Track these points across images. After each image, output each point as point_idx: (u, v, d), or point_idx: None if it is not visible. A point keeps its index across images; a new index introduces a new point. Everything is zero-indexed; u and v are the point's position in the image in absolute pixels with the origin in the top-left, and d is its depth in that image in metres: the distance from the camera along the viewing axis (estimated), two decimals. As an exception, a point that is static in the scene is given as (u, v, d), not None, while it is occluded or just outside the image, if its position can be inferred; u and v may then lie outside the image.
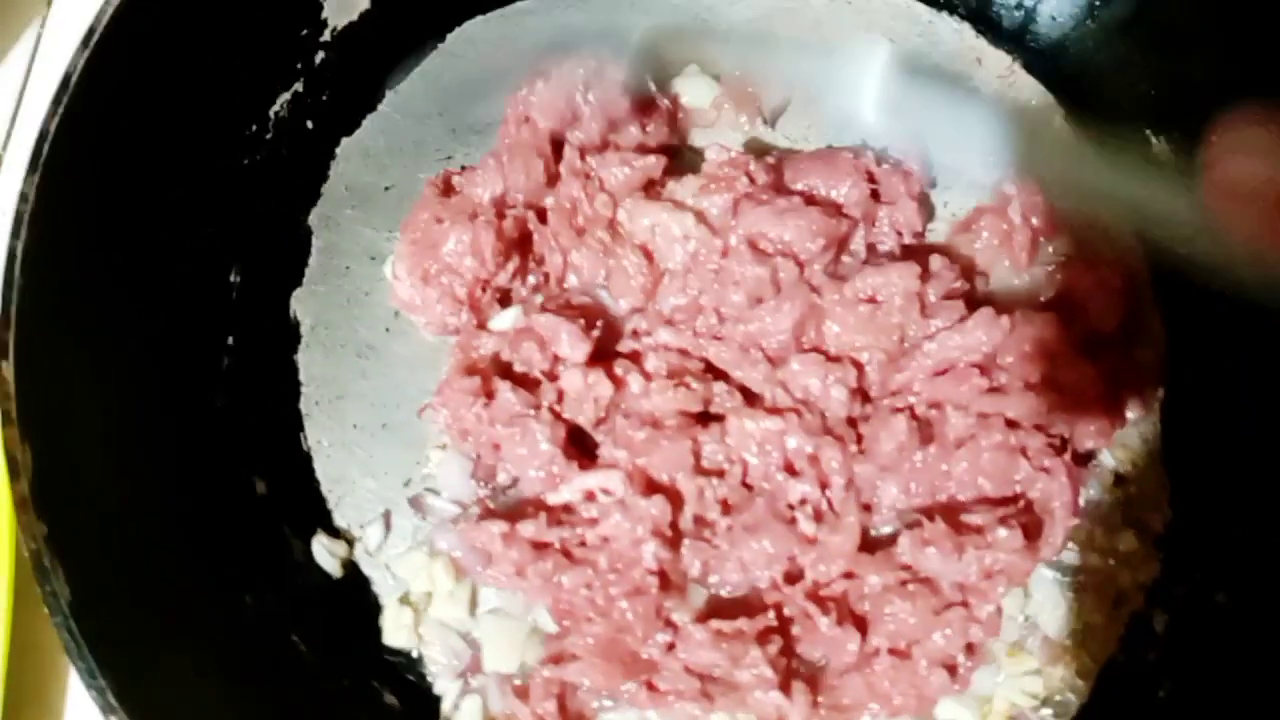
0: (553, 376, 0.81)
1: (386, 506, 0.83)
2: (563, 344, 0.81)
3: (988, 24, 0.93)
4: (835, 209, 0.85)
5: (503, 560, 0.76)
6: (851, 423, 0.80)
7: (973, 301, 0.82)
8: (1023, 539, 0.74)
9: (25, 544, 0.65)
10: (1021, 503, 0.76)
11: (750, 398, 0.81)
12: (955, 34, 0.93)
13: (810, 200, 0.85)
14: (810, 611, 0.74)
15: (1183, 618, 0.77)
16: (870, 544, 0.78)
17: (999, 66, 0.92)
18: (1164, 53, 0.87)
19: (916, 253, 0.86)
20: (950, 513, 0.76)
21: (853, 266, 0.85)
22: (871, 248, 0.86)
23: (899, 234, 0.87)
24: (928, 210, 0.89)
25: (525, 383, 0.81)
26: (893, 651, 0.73)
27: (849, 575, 0.75)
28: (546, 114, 0.86)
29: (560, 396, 0.80)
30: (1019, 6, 0.92)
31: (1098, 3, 0.89)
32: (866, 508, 0.78)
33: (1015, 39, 0.93)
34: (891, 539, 0.77)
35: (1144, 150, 0.88)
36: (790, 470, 0.78)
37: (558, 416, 0.80)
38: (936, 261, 0.84)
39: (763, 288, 0.82)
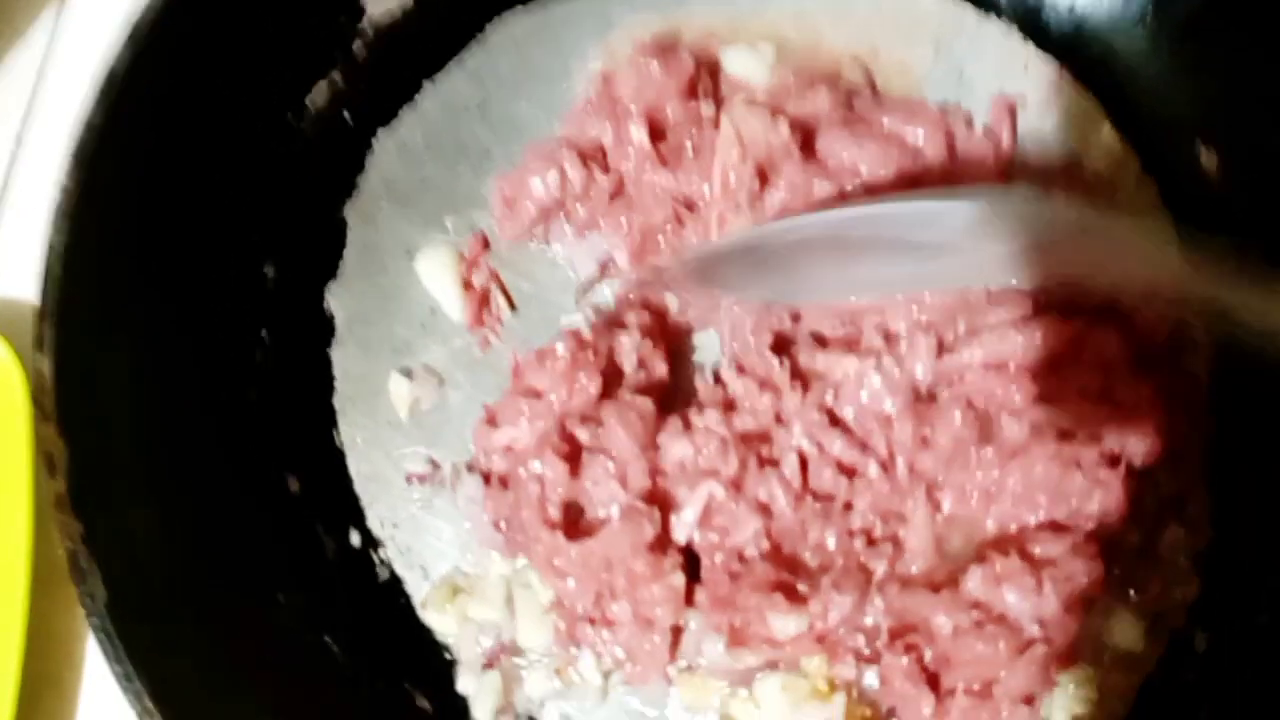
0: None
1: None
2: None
3: (1037, 30, 0.91)
4: (911, 151, 0.84)
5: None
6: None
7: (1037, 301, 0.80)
8: (1103, 569, 0.73)
9: (61, 543, 0.64)
10: (1088, 526, 0.75)
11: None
12: (1003, 39, 0.92)
13: (890, 139, 0.84)
14: (889, 665, 0.73)
15: (1224, 638, 0.76)
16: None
17: (1047, 73, 0.90)
18: (1215, 65, 0.86)
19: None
20: (1016, 543, 0.75)
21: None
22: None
23: None
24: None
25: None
26: (969, 692, 0.72)
27: (911, 628, 0.74)
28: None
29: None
30: (1070, 12, 0.91)
31: (1150, 11, 0.88)
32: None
33: (1064, 46, 0.91)
34: (951, 577, 0.75)
35: (1192, 164, 0.87)
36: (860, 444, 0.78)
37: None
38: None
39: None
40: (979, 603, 0.73)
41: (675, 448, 0.78)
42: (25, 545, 0.78)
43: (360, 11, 0.87)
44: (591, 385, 0.78)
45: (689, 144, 0.85)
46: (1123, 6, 0.90)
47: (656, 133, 0.85)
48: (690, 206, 0.85)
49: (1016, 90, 0.90)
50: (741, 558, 0.77)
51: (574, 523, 0.77)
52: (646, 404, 0.78)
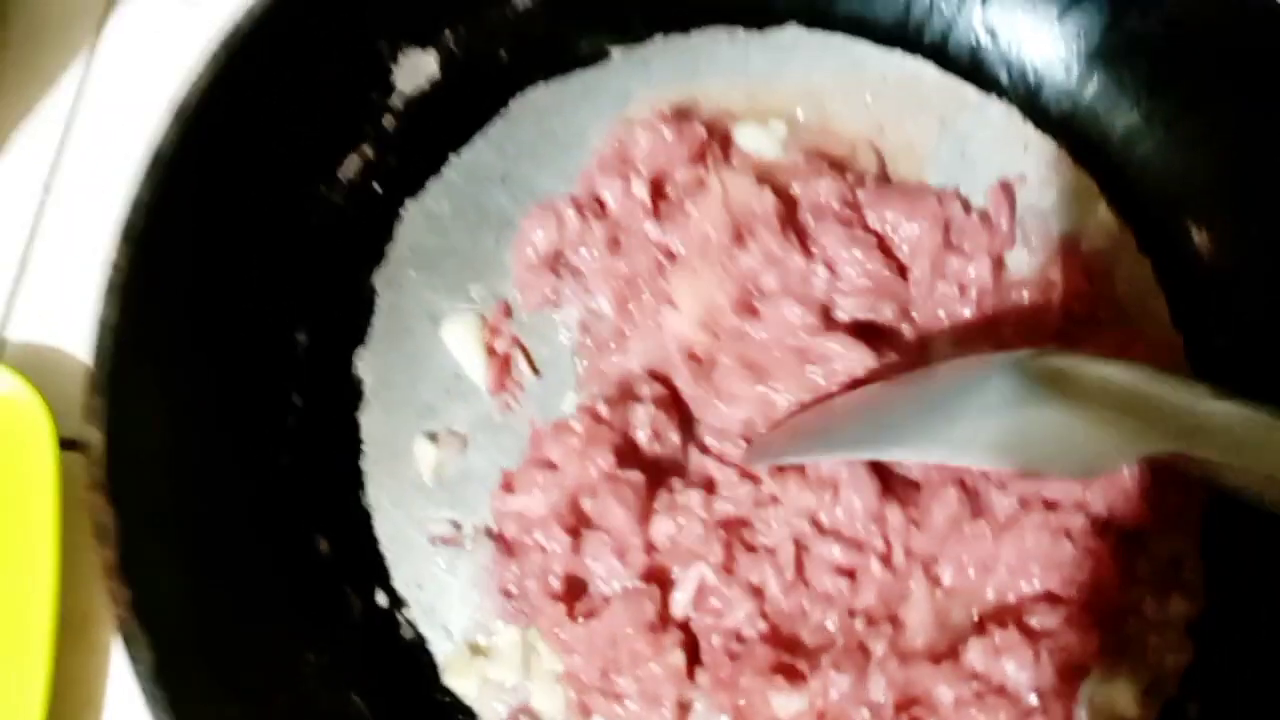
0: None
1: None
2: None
3: (1036, 111, 0.95)
4: (897, 265, 0.88)
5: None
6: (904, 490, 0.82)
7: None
8: (1098, 638, 0.76)
9: (114, 610, 0.67)
10: (1081, 596, 0.78)
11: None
12: (1004, 119, 0.96)
13: (880, 243, 0.88)
14: None
15: (1216, 707, 0.79)
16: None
17: (1046, 152, 0.94)
18: (1206, 146, 0.90)
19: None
20: (1013, 614, 0.78)
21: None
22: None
23: (962, 289, 0.88)
24: (1002, 271, 0.90)
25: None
26: None
27: (914, 700, 0.76)
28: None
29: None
30: (1066, 96, 0.95)
31: (1144, 94, 0.92)
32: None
33: (1062, 126, 0.95)
34: (951, 648, 0.78)
35: (1186, 242, 0.91)
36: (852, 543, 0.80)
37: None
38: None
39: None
40: (979, 674, 0.75)
41: (662, 525, 0.80)
42: (51, 589, 0.79)
43: (391, 87, 0.90)
44: (603, 460, 0.80)
45: (688, 204, 0.88)
46: (1118, 89, 0.94)
47: (659, 192, 0.89)
48: (671, 256, 0.88)
49: (1016, 169, 0.93)
50: (740, 638, 0.79)
51: (576, 596, 0.80)
52: (637, 477, 0.80)
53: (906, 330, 0.88)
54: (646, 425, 0.83)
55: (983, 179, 0.93)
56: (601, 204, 0.90)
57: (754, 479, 0.82)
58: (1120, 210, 0.92)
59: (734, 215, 0.86)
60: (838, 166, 0.92)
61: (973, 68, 0.97)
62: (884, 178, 0.94)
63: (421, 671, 0.82)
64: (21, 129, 1.02)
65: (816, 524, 0.80)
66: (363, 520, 0.85)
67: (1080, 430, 0.70)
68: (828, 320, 0.85)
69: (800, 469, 0.81)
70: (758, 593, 0.79)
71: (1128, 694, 0.80)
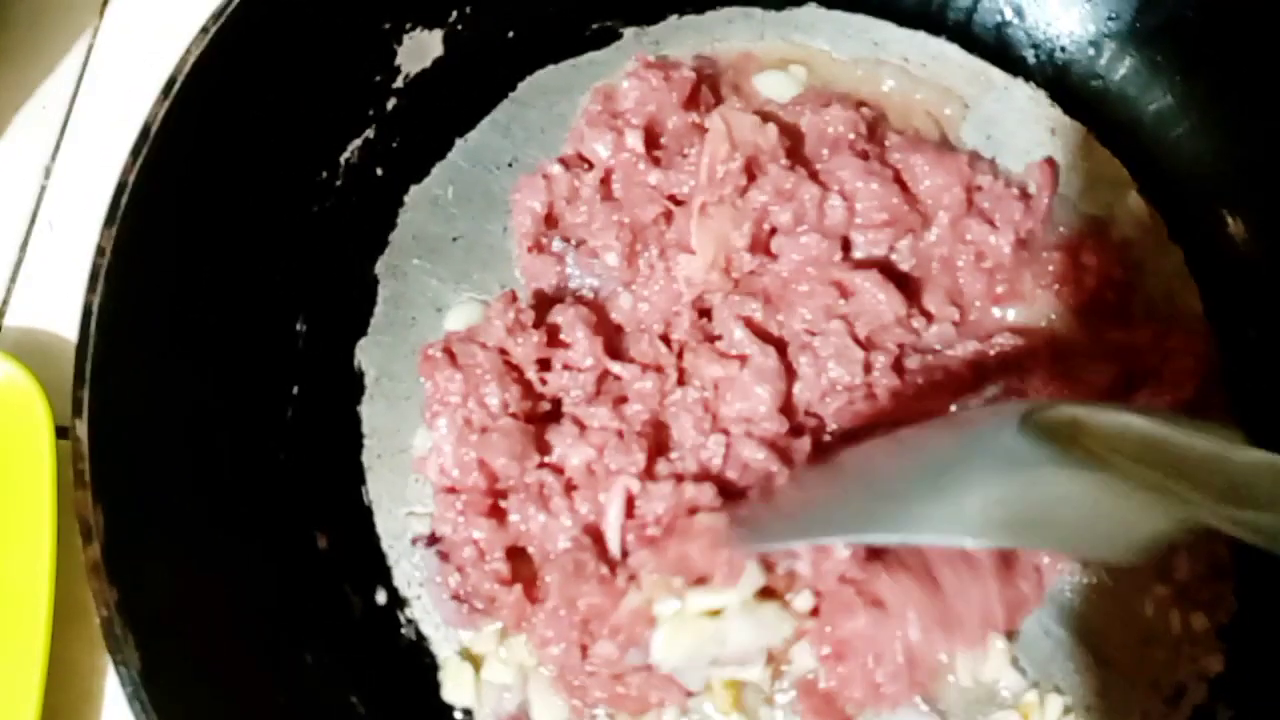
0: None
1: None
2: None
3: (1064, 93, 0.92)
4: (915, 206, 0.85)
5: None
6: None
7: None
8: None
9: (97, 611, 0.65)
10: None
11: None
12: (1030, 101, 0.92)
13: (899, 182, 0.85)
14: None
15: (1249, 714, 0.76)
16: None
17: (1074, 136, 0.91)
18: (1240, 130, 0.87)
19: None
20: None
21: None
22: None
23: (979, 256, 0.85)
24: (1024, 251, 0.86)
25: None
26: None
27: None
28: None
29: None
30: (1096, 78, 0.91)
31: (1177, 77, 0.89)
32: None
33: (1090, 110, 0.92)
34: None
35: (1220, 230, 0.87)
36: None
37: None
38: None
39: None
40: None
41: (574, 454, 0.78)
42: (48, 578, 0.78)
43: (395, 69, 0.87)
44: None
45: (683, 149, 0.86)
46: (1150, 71, 0.90)
47: (653, 141, 0.87)
48: (678, 202, 0.85)
49: (1043, 153, 0.90)
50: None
51: (527, 577, 0.77)
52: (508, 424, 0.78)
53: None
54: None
55: (1009, 162, 0.90)
56: (590, 164, 0.87)
57: (658, 369, 0.80)
58: (1151, 197, 0.89)
59: (741, 151, 0.84)
60: (851, 103, 0.89)
61: (998, 48, 0.94)
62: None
63: (422, 672, 0.79)
64: (23, 113, 1.01)
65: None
66: (363, 516, 0.82)
67: (1104, 493, 0.60)
68: (848, 256, 0.83)
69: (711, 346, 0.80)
70: (679, 478, 0.77)
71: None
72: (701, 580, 0.74)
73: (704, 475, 0.78)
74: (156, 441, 0.72)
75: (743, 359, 0.79)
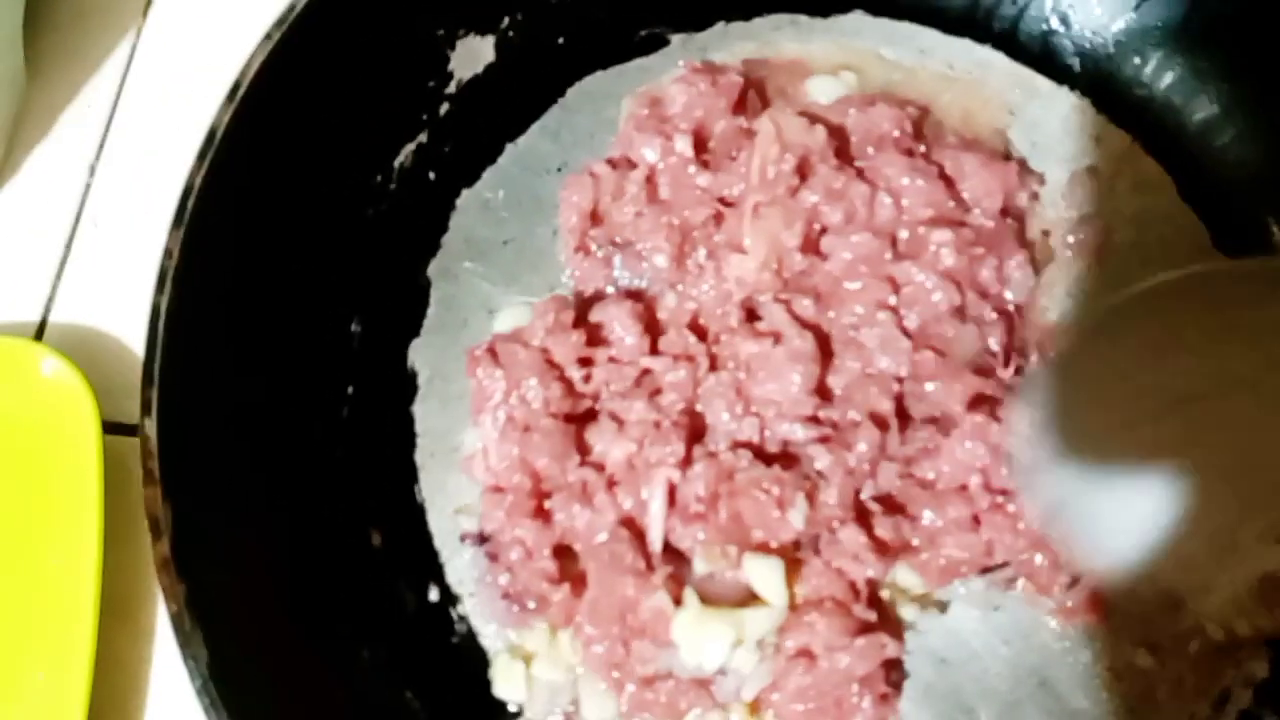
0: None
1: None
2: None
3: (1109, 101, 0.92)
4: (961, 205, 0.85)
5: None
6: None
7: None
8: None
9: (167, 606, 0.66)
10: None
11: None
12: (1075, 109, 0.93)
13: (944, 178, 0.85)
14: None
15: (1294, 719, 0.77)
16: None
17: (1119, 145, 0.91)
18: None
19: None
20: None
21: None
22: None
23: (1001, 283, 0.85)
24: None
25: None
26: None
27: None
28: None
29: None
30: (1141, 86, 0.92)
31: (1225, 87, 0.89)
32: None
33: (1135, 117, 0.92)
34: None
35: (1263, 239, 0.88)
36: None
37: None
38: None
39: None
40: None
41: (615, 449, 0.79)
42: (95, 571, 0.79)
43: (448, 75, 0.88)
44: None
45: (731, 153, 0.87)
46: (1196, 79, 0.90)
47: (700, 145, 0.88)
48: (728, 204, 0.86)
49: (1088, 161, 0.91)
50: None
51: (575, 576, 0.78)
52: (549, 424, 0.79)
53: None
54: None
55: (1052, 170, 0.91)
56: (634, 163, 0.88)
57: (689, 358, 0.81)
58: (1196, 206, 0.89)
59: (791, 151, 0.85)
60: (896, 100, 0.90)
61: (1043, 56, 0.94)
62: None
63: (475, 669, 0.80)
64: (67, 112, 1.02)
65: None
66: (416, 514, 0.83)
67: None
68: (896, 253, 0.84)
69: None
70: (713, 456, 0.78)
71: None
72: (760, 546, 0.75)
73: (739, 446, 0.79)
74: (220, 439, 0.73)
75: (777, 336, 0.80)
